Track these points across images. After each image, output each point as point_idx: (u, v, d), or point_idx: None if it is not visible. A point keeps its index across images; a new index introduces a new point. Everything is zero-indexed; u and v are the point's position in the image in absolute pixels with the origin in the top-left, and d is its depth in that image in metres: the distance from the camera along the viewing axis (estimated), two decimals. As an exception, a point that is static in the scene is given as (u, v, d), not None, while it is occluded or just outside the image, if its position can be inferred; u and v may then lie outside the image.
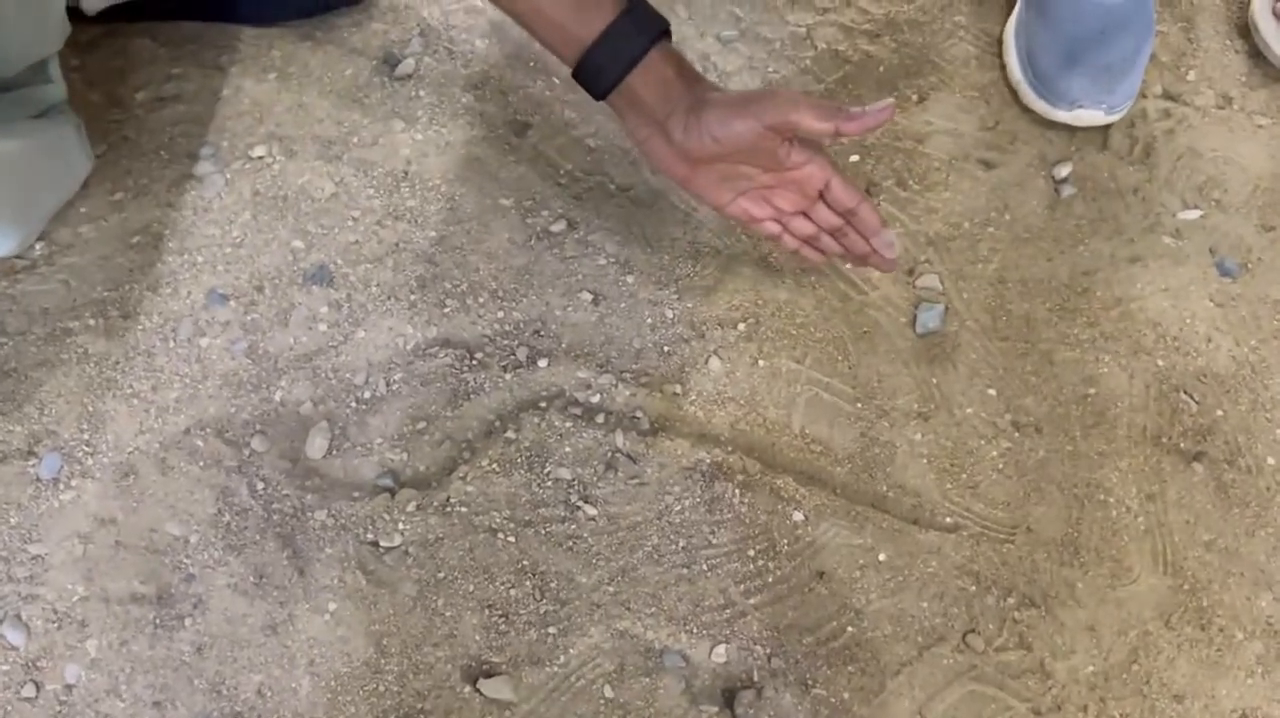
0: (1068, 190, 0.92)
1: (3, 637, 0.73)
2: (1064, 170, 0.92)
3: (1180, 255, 0.90)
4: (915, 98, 0.96)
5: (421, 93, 0.94)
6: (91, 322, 0.83)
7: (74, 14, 0.83)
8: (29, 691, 0.71)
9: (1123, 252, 0.90)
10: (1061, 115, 0.92)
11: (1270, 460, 0.82)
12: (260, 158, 0.90)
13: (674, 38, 0.94)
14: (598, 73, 0.69)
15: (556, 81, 0.95)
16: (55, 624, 0.73)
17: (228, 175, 0.89)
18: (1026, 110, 0.95)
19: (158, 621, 0.73)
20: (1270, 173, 0.94)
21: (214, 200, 0.88)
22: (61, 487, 0.77)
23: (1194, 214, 0.92)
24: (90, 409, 0.80)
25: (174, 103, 0.92)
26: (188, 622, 0.74)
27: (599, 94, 0.70)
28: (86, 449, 0.78)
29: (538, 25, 0.70)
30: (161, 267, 0.85)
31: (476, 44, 0.96)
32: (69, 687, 0.72)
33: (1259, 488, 0.81)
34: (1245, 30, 1.00)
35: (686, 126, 0.69)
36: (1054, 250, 0.90)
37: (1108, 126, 0.94)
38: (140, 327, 0.83)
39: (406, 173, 0.90)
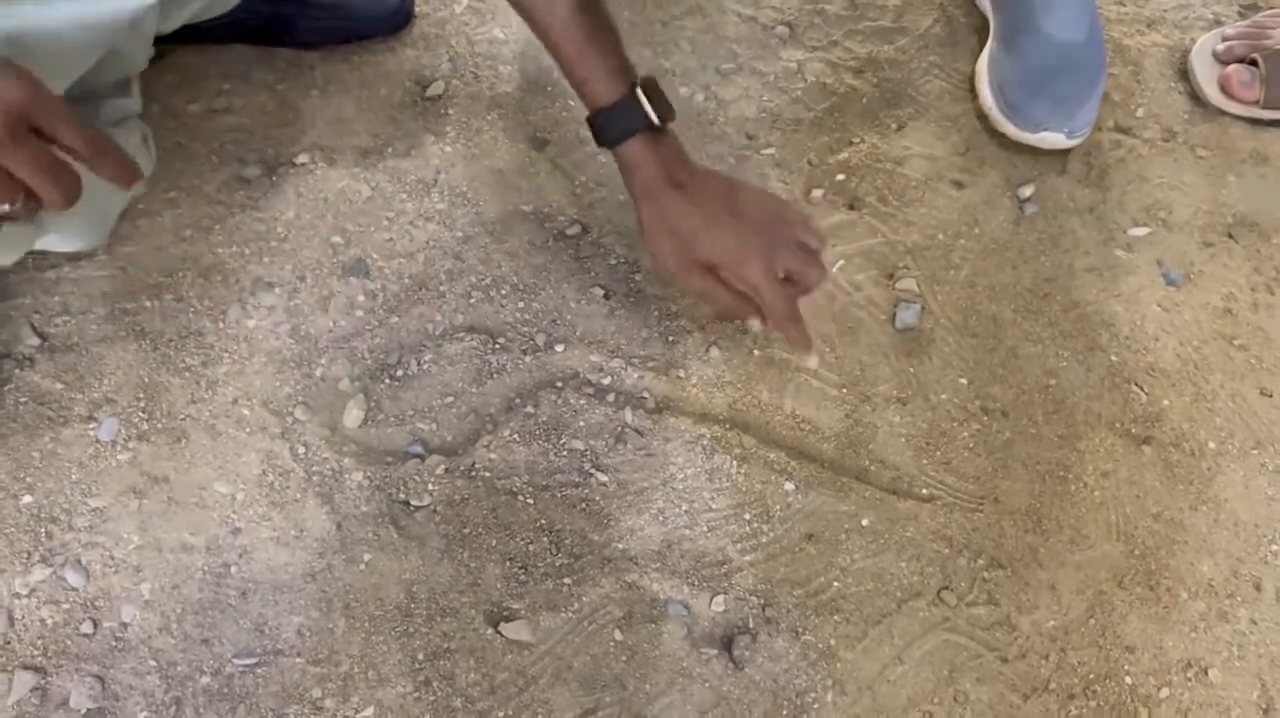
0: (1031, 209, 1.02)
1: (64, 579, 0.79)
2: (1027, 191, 1.02)
3: (1131, 266, 1.00)
4: (895, 126, 1.07)
5: (450, 110, 1.03)
6: (147, 304, 0.89)
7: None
8: (87, 627, 0.77)
9: (1080, 262, 0.99)
10: (1029, 138, 1.03)
11: (1211, 445, 0.91)
12: (303, 164, 0.98)
13: (677, 70, 1.05)
14: (597, 132, 0.82)
15: (571, 104, 1.05)
16: (112, 569, 0.79)
17: (273, 179, 0.97)
18: (995, 136, 1.06)
19: (206, 568, 0.79)
20: (1210, 197, 1.04)
21: (260, 199, 0.95)
22: (119, 448, 0.83)
23: (1143, 231, 1.02)
24: (146, 380, 0.86)
25: (224, 114, 1.00)
26: (233, 569, 0.80)
27: (599, 144, 0.83)
28: (142, 416, 0.85)
29: (568, 74, 0.82)
30: (211, 257, 0.92)
31: (500, 69, 1.06)
32: (124, 625, 0.77)
33: (1201, 468, 0.90)
34: (1185, 74, 1.12)
35: (642, 221, 0.81)
36: (1018, 260, 0.99)
37: (1067, 152, 1.05)
38: (191, 309, 0.90)
39: (436, 180, 0.98)
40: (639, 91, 0.80)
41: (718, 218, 0.79)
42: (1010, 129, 1.04)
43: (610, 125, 0.81)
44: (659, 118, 0.80)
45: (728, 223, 0.79)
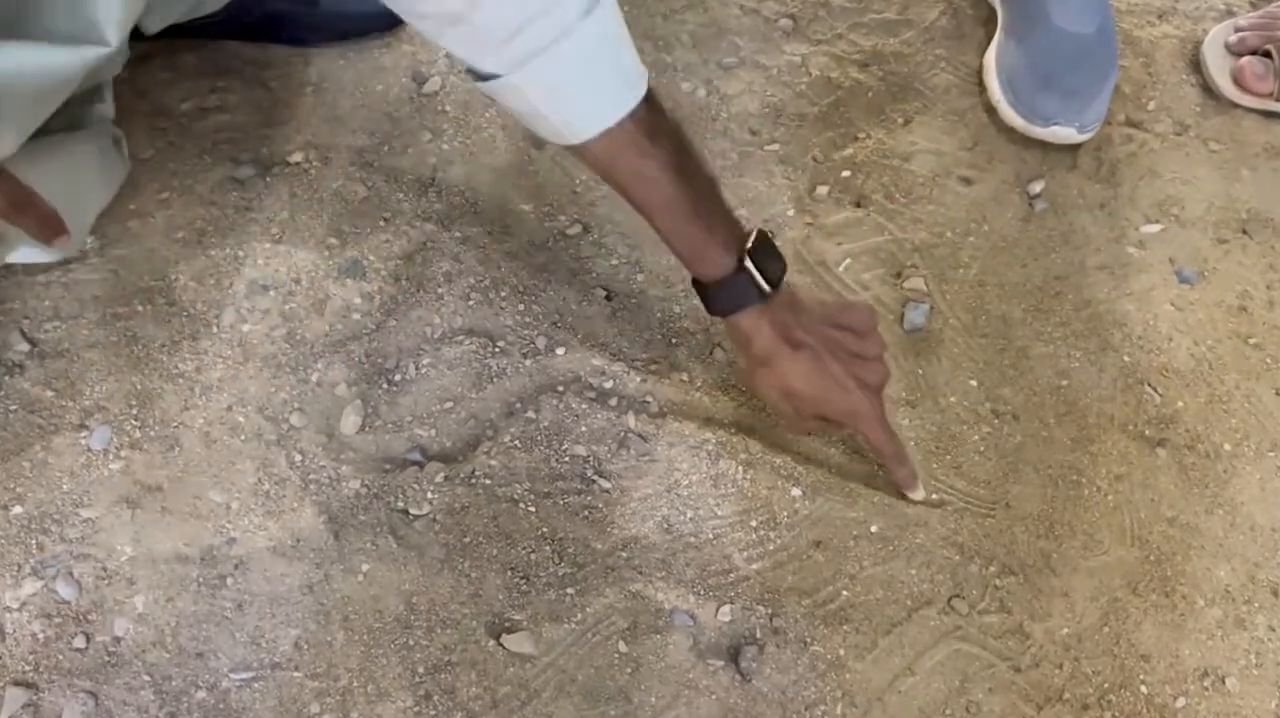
0: (1041, 205, 1.00)
1: (55, 592, 0.77)
2: (1037, 187, 1.00)
3: (1143, 264, 0.98)
4: (901, 121, 1.05)
5: (447, 108, 1.01)
6: (140, 308, 0.88)
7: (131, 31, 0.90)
8: (79, 642, 0.75)
9: (1091, 260, 0.98)
10: (1038, 132, 1.01)
11: (1226, 447, 0.89)
12: (298, 163, 0.96)
13: (678, 65, 1.03)
14: (706, 302, 0.79)
15: (572, 100, 1.03)
16: (105, 581, 0.77)
17: (267, 179, 0.95)
18: (1003, 132, 1.04)
19: (201, 579, 0.77)
20: (1223, 192, 1.03)
21: (254, 200, 0.94)
22: (111, 457, 0.81)
23: (1155, 228, 1.00)
24: (138, 387, 0.84)
25: (217, 113, 0.99)
26: (229, 581, 0.78)
27: (709, 312, 0.80)
28: (135, 423, 0.83)
29: (673, 250, 0.78)
30: (205, 259, 0.91)
31: (499, 65, 1.04)
32: (117, 639, 0.75)
33: (1216, 471, 0.88)
34: (1197, 66, 1.10)
35: (757, 386, 0.80)
36: (1028, 258, 0.97)
37: (1077, 148, 1.03)
38: (185, 313, 0.88)
39: (433, 179, 0.97)
40: (750, 264, 0.75)
41: (829, 377, 0.77)
42: (1019, 123, 1.02)
43: (721, 299, 0.77)
44: (771, 283, 0.76)
45: (839, 381, 0.77)
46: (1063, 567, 0.83)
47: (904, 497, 0.84)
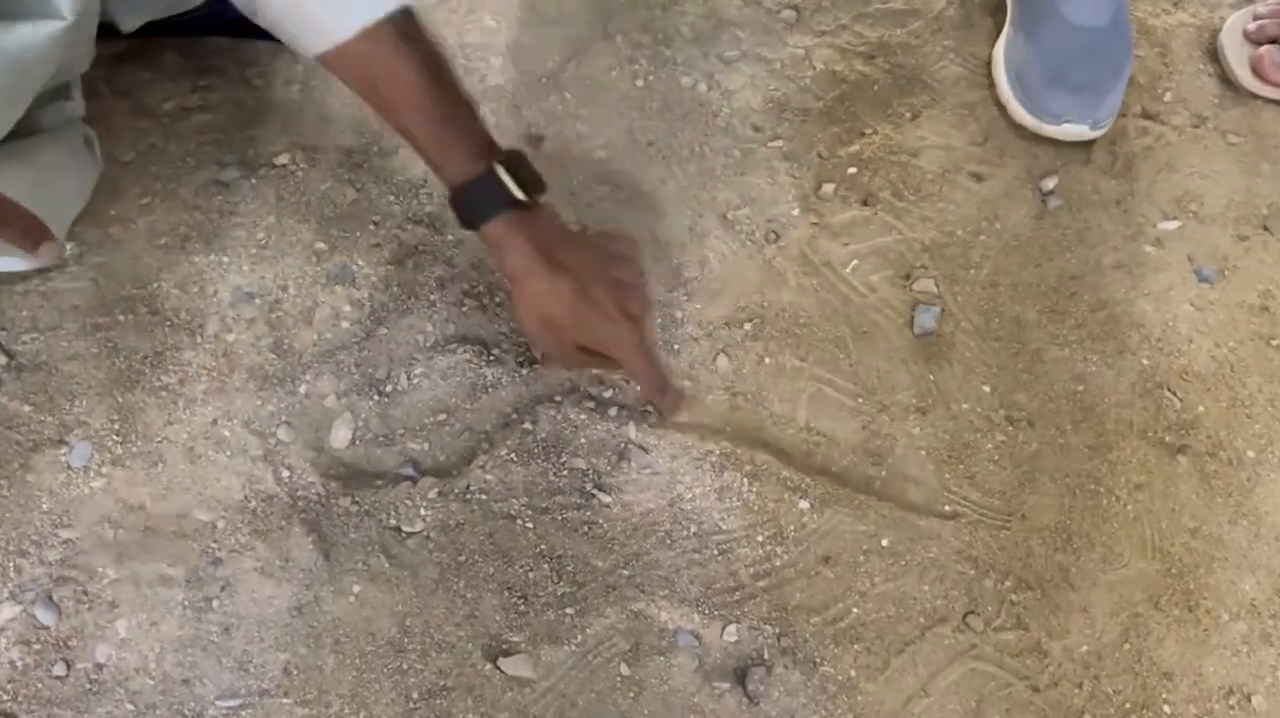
0: (1054, 202, 0.97)
1: (34, 617, 0.74)
2: (1050, 183, 0.97)
3: (1161, 263, 0.95)
4: (909, 115, 1.01)
5: (439, 105, 0.98)
6: (121, 318, 0.85)
7: (106, 28, 0.86)
8: (60, 669, 0.73)
9: (1107, 259, 0.94)
10: (1049, 130, 0.97)
11: (1250, 453, 0.86)
12: (284, 165, 0.93)
13: (677, 59, 1.00)
14: (457, 213, 0.76)
15: (569, 97, 0.99)
16: (86, 605, 0.74)
17: (252, 182, 0.92)
18: (1014, 126, 1.00)
19: (186, 602, 0.75)
20: (1243, 187, 0.99)
21: (239, 204, 0.91)
22: (92, 474, 0.79)
23: (1173, 225, 0.96)
24: (120, 401, 0.82)
25: (200, 113, 0.95)
26: (215, 603, 0.75)
27: (461, 225, 0.77)
28: (116, 439, 0.80)
29: (423, 155, 0.76)
30: (188, 266, 0.87)
31: (492, 61, 1.01)
32: (99, 666, 0.73)
33: (1239, 479, 0.85)
34: (1215, 55, 1.06)
35: (513, 305, 0.77)
36: (1042, 257, 0.94)
37: (1091, 143, 0.99)
38: (168, 323, 0.85)
39: (425, 180, 0.93)
40: (499, 167, 0.74)
41: (591, 303, 0.75)
42: (1029, 121, 0.98)
43: (470, 205, 0.75)
44: (525, 193, 0.74)
45: (601, 308, 0.75)
46: (1081, 581, 0.80)
47: (916, 510, 0.81)
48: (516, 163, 0.76)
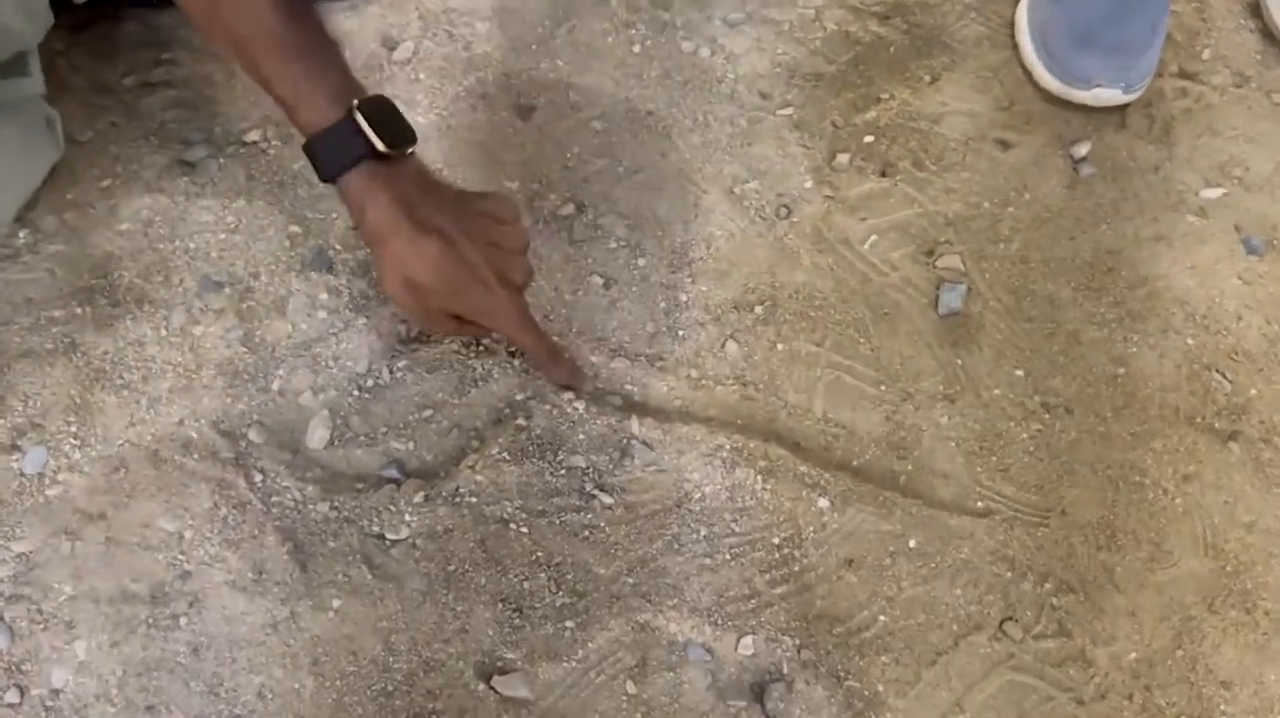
0: (1087, 170, 0.90)
1: (-16, 640, 0.68)
2: (1082, 150, 0.91)
3: (1205, 234, 0.88)
4: (928, 79, 0.94)
5: (422, 76, 0.92)
6: (78, 310, 0.79)
7: (62, 1, 0.80)
8: (12, 696, 0.67)
9: (1146, 230, 0.88)
10: (1079, 95, 0.90)
11: (1307, 439, 0.80)
12: (254, 143, 0.88)
13: (677, 22, 0.93)
14: (314, 164, 0.69)
15: (561, 64, 0.93)
16: (40, 626, 0.69)
17: (220, 161, 0.87)
18: (1041, 90, 0.93)
19: (151, 620, 0.70)
20: (1291, 150, 0.92)
21: (206, 186, 0.86)
22: (47, 482, 0.73)
23: (1217, 192, 0.90)
24: (77, 401, 0.76)
25: (164, 88, 0.90)
26: (183, 621, 0.70)
27: (320, 179, 0.70)
28: (74, 443, 0.75)
29: (276, 97, 0.69)
30: (152, 254, 0.82)
31: (477, 26, 0.94)
32: (55, 692, 0.67)
33: (1297, 467, 0.79)
34: (1256, 9, 0.99)
35: (375, 267, 0.71)
36: (1076, 229, 0.88)
37: (1125, 106, 0.93)
38: (130, 315, 0.80)
39: None
40: (357, 114, 0.67)
41: (463, 268, 0.69)
42: (1056, 86, 0.91)
43: (326, 155, 0.68)
44: (387, 143, 0.67)
45: (476, 273, 0.69)
46: (1128, 582, 0.74)
47: (946, 508, 0.75)
48: (382, 110, 0.69)
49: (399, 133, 0.69)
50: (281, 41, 0.66)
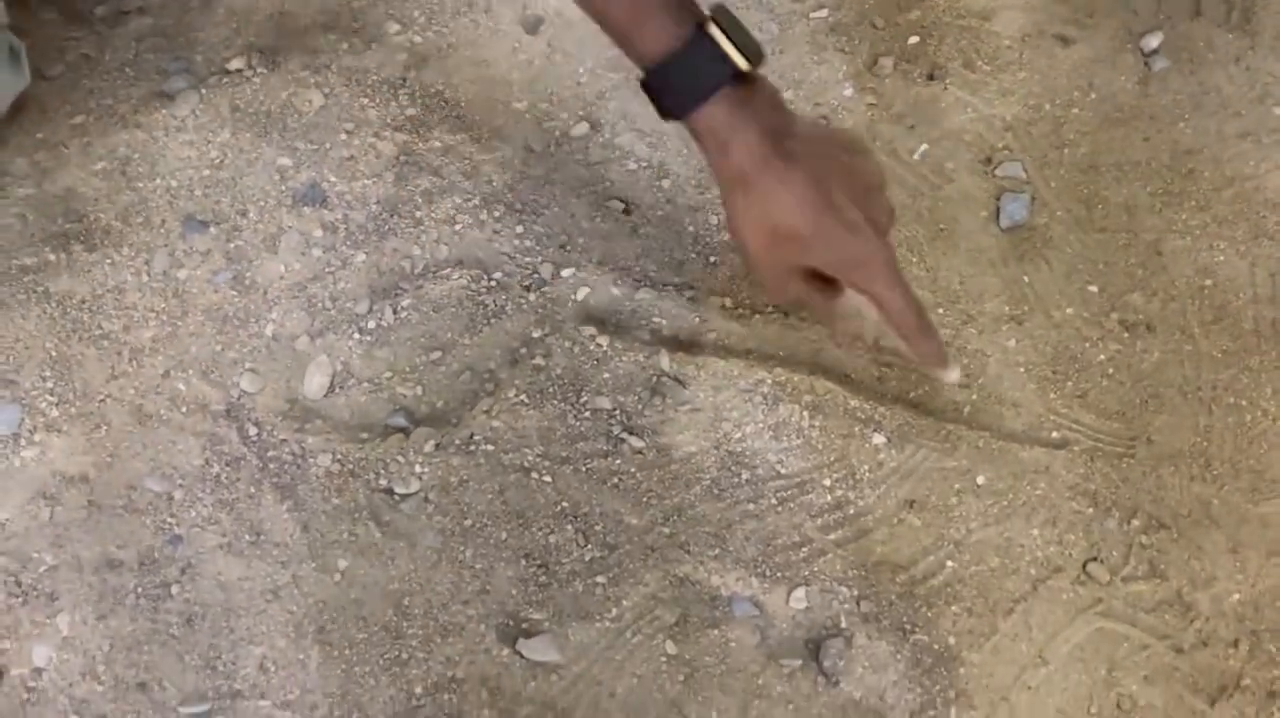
0: (1160, 63, 0.84)
1: (-42, 616, 0.64)
2: (1154, 41, 0.85)
3: (1296, 128, 0.80)
4: (976, -29, 0.87)
5: (419, -10, 0.85)
6: (52, 257, 0.75)
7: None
8: (-9, 677, 0.63)
9: (1229, 127, 0.81)
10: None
11: None
12: (238, 71, 0.84)
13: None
14: (659, 96, 0.61)
15: (569, -27, 0.85)
16: (20, 599, 0.65)
17: (202, 92, 0.83)
18: (1106, -24, 0.85)
19: (139, 590, 0.65)
20: (1390, 32, 0.84)
21: (188, 119, 0.81)
22: (23, 442, 0.69)
23: (1307, 82, 0.82)
24: (53, 354, 0.72)
25: (139, 15, 0.86)
26: (174, 589, 0.65)
27: (663, 115, 0.62)
28: (50, 399, 0.70)
29: (608, 25, 0.61)
30: (130, 194, 0.78)
31: (475, -67, 0.87)
32: (38, 670, 0.63)
33: None
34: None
35: (730, 211, 0.61)
36: (1150, 130, 0.82)
37: (1199, -11, 0.85)
38: (108, 260, 0.75)
39: (404, 80, 0.83)
40: (713, 28, 0.58)
41: (826, 207, 0.58)
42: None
43: (678, 84, 0.59)
44: (747, 59, 0.58)
45: (844, 214, 0.59)
46: (1227, 516, 0.68)
47: (1017, 440, 0.69)
48: (730, 21, 0.59)
49: (754, 47, 0.59)
50: None
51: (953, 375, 0.65)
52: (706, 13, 0.59)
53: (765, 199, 0.59)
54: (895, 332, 0.63)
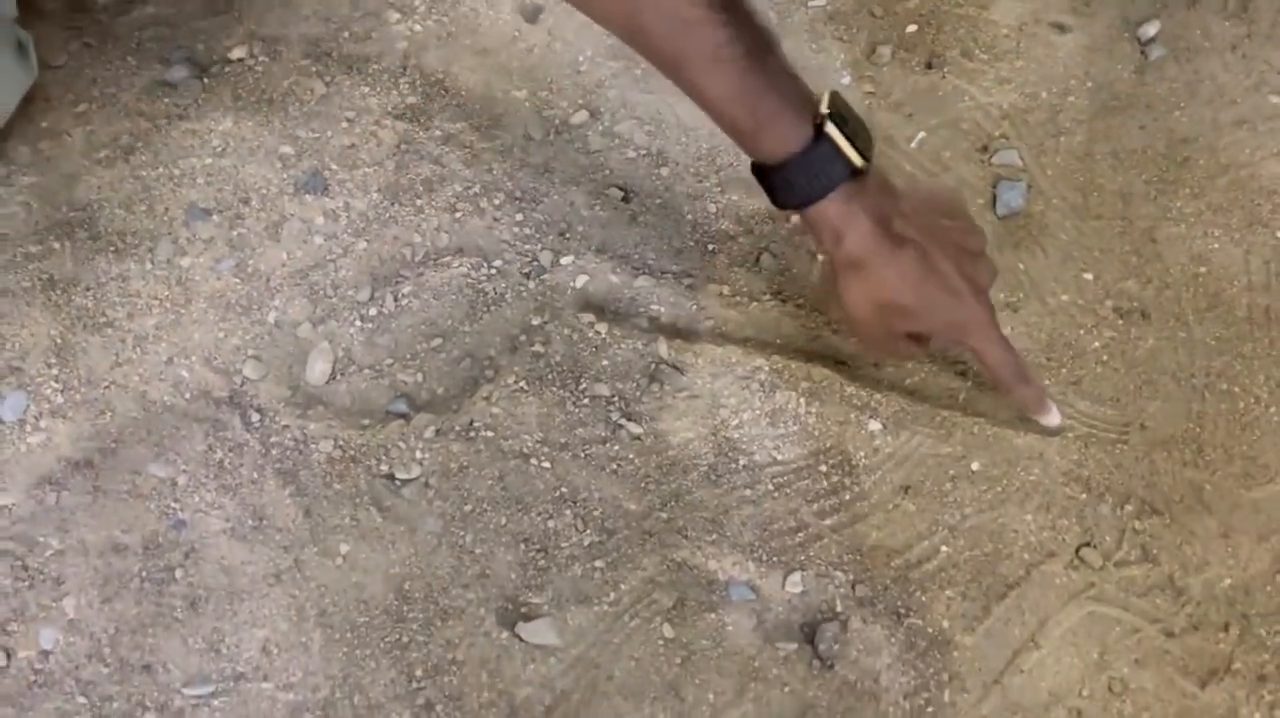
0: (1156, 52, 0.84)
1: (-34, 599, 0.65)
2: (1151, 30, 0.85)
3: (1292, 116, 0.81)
4: (974, -41, 0.87)
5: (419, -21, 0.86)
6: (56, 245, 0.76)
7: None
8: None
9: (1225, 115, 0.82)
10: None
11: None
12: (240, 60, 0.84)
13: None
14: (776, 192, 0.63)
15: (569, -37, 0.86)
16: (26, 583, 0.65)
17: (204, 81, 0.83)
18: (1104, -36, 0.86)
19: (144, 573, 0.66)
20: (1388, 21, 0.84)
21: (190, 108, 0.82)
22: (28, 428, 0.69)
23: (1304, 70, 0.82)
24: (58, 341, 0.72)
25: (141, 4, 0.87)
26: (178, 573, 0.66)
27: (778, 206, 0.64)
28: (55, 386, 0.71)
29: (728, 126, 0.62)
30: (134, 182, 0.78)
31: (475, -75, 0.87)
32: (44, 653, 0.64)
33: (1406, 369, 0.71)
34: None
35: (843, 291, 0.64)
36: (1146, 118, 0.82)
37: (1197, -22, 0.85)
38: (112, 248, 0.76)
39: (405, 68, 0.84)
40: (831, 129, 0.59)
41: (939, 282, 0.62)
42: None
43: (800, 183, 0.60)
44: (861, 155, 0.60)
45: (950, 285, 0.62)
46: (1219, 501, 0.68)
47: (1012, 426, 0.70)
48: (845, 114, 0.61)
49: (866, 138, 0.61)
50: (727, 54, 0.58)
51: (1053, 420, 0.68)
52: (823, 106, 0.60)
53: (874, 281, 0.62)
54: (993, 382, 0.67)
